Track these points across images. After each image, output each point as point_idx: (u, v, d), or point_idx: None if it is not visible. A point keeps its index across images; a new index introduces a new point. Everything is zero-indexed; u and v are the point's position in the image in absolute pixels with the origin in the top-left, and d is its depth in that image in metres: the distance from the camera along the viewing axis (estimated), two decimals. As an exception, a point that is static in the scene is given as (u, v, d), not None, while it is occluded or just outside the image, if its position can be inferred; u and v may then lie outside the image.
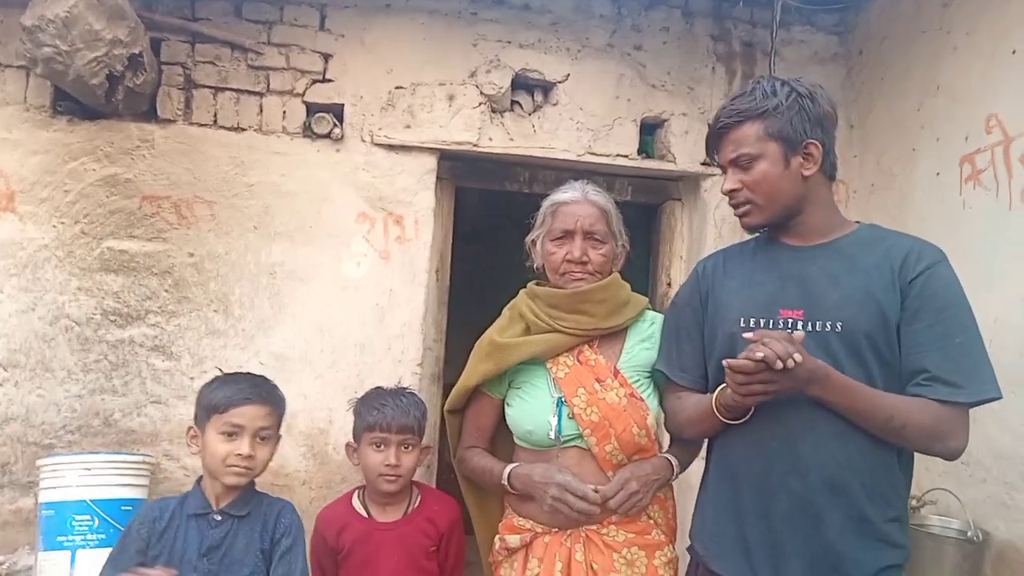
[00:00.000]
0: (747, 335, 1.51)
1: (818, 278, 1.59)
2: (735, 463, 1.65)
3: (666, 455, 1.84)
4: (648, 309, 2.00)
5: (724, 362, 1.49)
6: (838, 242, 1.63)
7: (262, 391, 1.88)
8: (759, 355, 1.40)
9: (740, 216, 1.68)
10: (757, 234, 1.80)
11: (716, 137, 1.67)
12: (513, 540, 1.85)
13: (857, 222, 1.70)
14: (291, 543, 1.85)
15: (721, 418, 1.62)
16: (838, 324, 1.53)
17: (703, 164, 3.29)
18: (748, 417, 1.59)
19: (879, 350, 1.52)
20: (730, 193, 1.66)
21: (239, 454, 1.78)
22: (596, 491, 1.73)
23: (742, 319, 1.64)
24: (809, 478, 1.53)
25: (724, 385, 1.58)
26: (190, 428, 1.88)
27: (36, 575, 2.42)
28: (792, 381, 1.45)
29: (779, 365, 1.40)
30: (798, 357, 1.40)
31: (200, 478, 1.88)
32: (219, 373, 2.01)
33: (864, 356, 1.53)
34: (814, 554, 1.53)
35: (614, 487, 1.73)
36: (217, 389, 1.84)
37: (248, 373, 1.95)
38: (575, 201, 1.90)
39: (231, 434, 1.79)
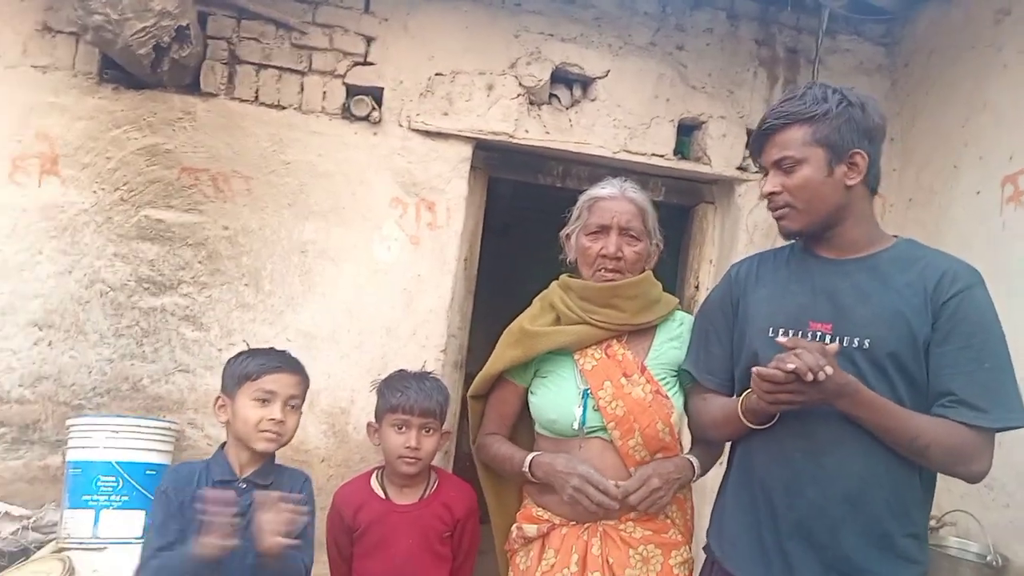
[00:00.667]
0: (781, 340, 1.51)
1: (849, 294, 1.58)
2: (757, 469, 1.64)
3: (688, 456, 1.84)
4: (678, 309, 1.99)
5: (753, 370, 1.48)
6: (873, 258, 1.61)
7: (292, 361, 1.95)
8: (790, 366, 1.40)
9: (778, 219, 1.66)
10: (792, 241, 1.78)
11: (761, 138, 1.64)
12: (530, 529, 1.86)
13: (895, 236, 1.68)
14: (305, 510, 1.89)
15: (746, 422, 1.61)
16: (866, 341, 1.52)
17: (739, 168, 3.27)
18: (773, 423, 1.59)
19: (906, 369, 1.51)
20: (770, 196, 1.64)
21: (272, 419, 1.82)
22: (617, 486, 1.73)
23: (771, 328, 1.63)
24: (830, 490, 1.53)
25: (751, 390, 1.58)
26: (218, 398, 1.91)
27: (61, 531, 2.47)
28: (820, 393, 1.44)
29: (809, 377, 1.39)
30: (829, 370, 1.40)
31: (223, 445, 1.92)
32: (246, 346, 2.06)
33: (890, 374, 1.52)
34: (829, 563, 1.53)
35: (635, 483, 1.73)
36: (248, 359, 1.89)
37: (273, 348, 2.01)
38: (613, 197, 1.91)
39: (264, 400, 1.84)
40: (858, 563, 1.52)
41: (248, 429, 1.83)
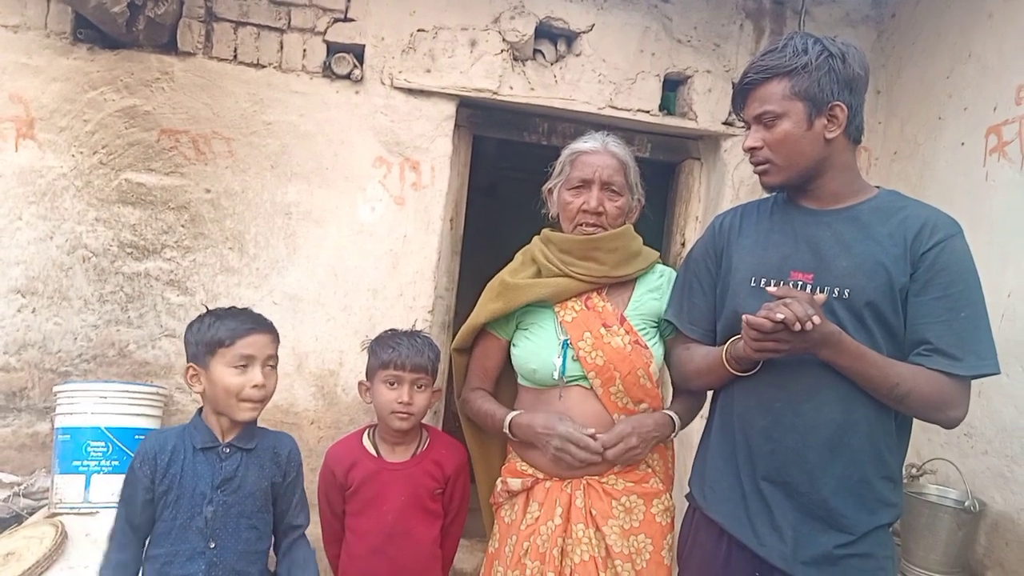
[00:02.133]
0: (771, 290, 1.53)
1: (830, 244, 1.59)
2: (738, 417, 1.68)
3: (669, 412, 1.87)
4: (658, 263, 2.00)
5: (744, 317, 1.50)
6: (855, 208, 1.62)
7: (261, 320, 1.85)
8: (779, 316, 1.42)
9: (759, 175, 1.67)
10: (775, 193, 1.79)
11: (743, 92, 1.64)
12: (515, 483, 1.88)
13: (878, 187, 1.69)
14: (295, 474, 1.90)
15: (731, 370, 1.64)
16: (846, 291, 1.54)
17: (724, 124, 3.25)
18: (756, 370, 1.61)
19: (884, 319, 1.54)
20: (751, 151, 1.64)
21: (255, 385, 1.75)
22: (595, 438, 1.76)
23: (753, 278, 1.66)
24: (808, 437, 1.56)
25: (736, 337, 1.60)
26: (189, 367, 1.80)
27: (52, 496, 2.49)
28: (805, 343, 1.47)
29: (797, 327, 1.42)
30: (816, 320, 1.42)
31: (200, 411, 1.85)
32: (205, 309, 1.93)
33: (868, 324, 1.54)
34: (808, 508, 1.57)
35: (613, 439, 1.76)
36: (215, 323, 1.78)
37: (236, 307, 1.88)
38: (595, 151, 1.90)
39: (243, 366, 1.76)
40: (835, 507, 1.56)
41: (229, 399, 1.75)
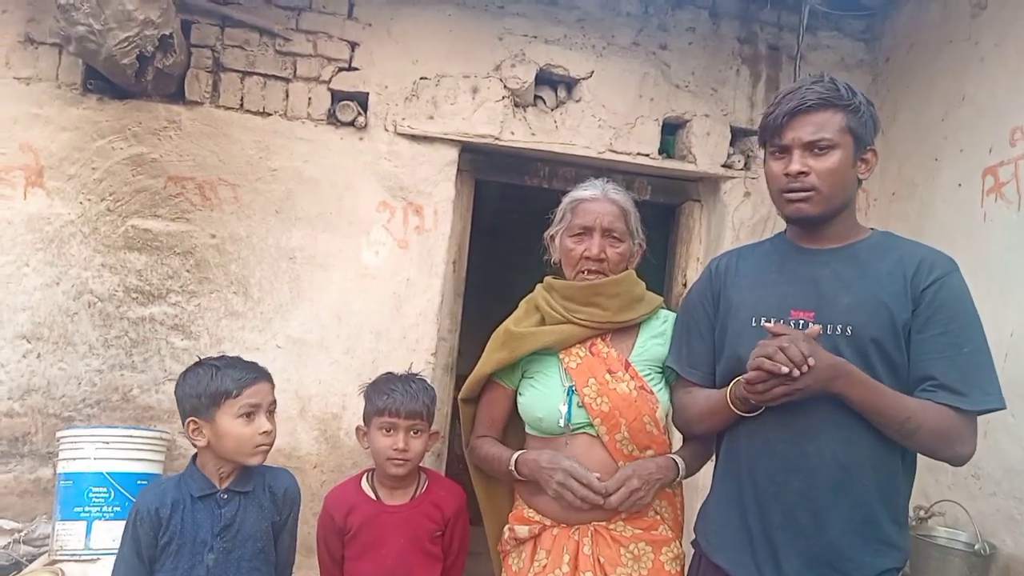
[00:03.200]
0: (767, 325, 1.54)
1: (830, 282, 1.60)
2: (742, 460, 1.66)
3: (673, 456, 1.85)
4: (662, 308, 2.01)
5: (741, 379, 1.51)
6: (853, 247, 1.64)
7: (258, 368, 1.87)
8: (784, 369, 1.42)
9: (795, 201, 1.61)
10: (776, 233, 1.82)
11: (792, 114, 1.59)
12: (522, 531, 1.87)
13: (872, 229, 1.71)
14: (290, 510, 1.91)
15: (735, 411, 1.63)
16: (848, 328, 1.54)
17: (724, 166, 3.30)
18: (761, 411, 1.60)
19: (887, 356, 1.53)
20: (797, 176, 1.58)
21: (264, 432, 1.78)
22: (599, 480, 1.74)
23: (753, 318, 1.65)
24: (813, 477, 1.55)
25: (740, 377, 1.60)
26: (190, 422, 1.79)
27: (53, 543, 2.46)
28: (813, 379, 1.45)
29: (796, 373, 1.42)
30: (812, 361, 1.42)
31: (194, 458, 1.85)
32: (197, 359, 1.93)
33: (871, 361, 1.54)
34: (814, 552, 1.54)
35: (615, 484, 1.74)
36: (217, 376, 1.78)
37: (226, 356, 1.90)
38: (595, 199, 1.92)
39: (250, 415, 1.78)
40: (843, 551, 1.53)
41: (241, 447, 1.77)
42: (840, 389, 1.49)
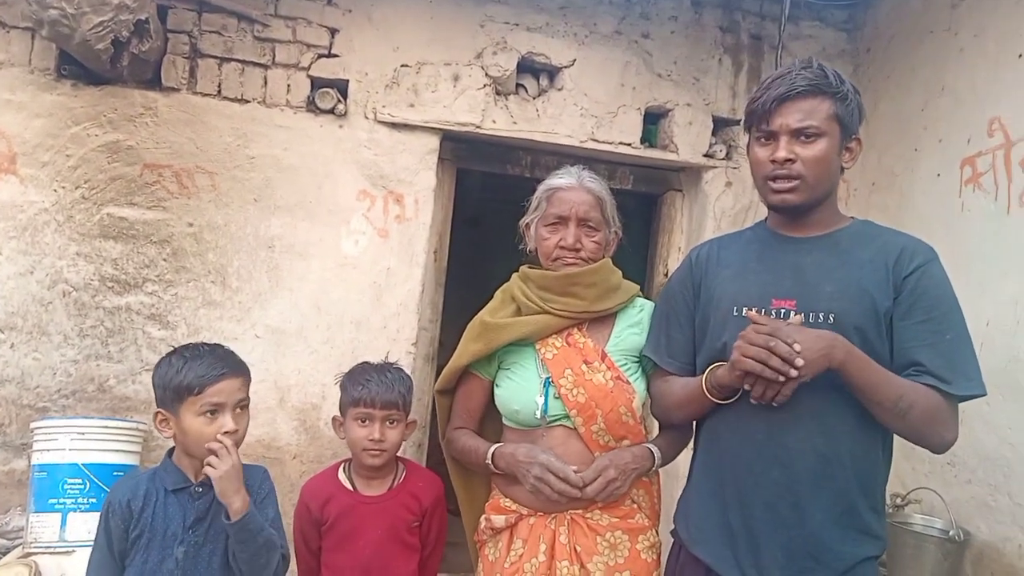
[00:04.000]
0: (750, 314, 1.54)
1: (812, 270, 1.60)
2: (722, 452, 1.66)
3: (648, 444, 1.85)
4: (639, 296, 2.00)
5: (745, 387, 1.51)
6: (833, 235, 1.63)
7: (230, 362, 1.77)
8: (781, 377, 1.42)
9: (781, 190, 1.59)
10: (756, 222, 1.81)
11: (780, 100, 1.56)
12: (498, 520, 1.86)
13: (852, 217, 1.71)
14: (265, 495, 1.84)
15: (711, 398, 1.62)
16: (830, 316, 1.54)
17: (705, 156, 3.29)
18: (738, 398, 1.60)
19: (870, 343, 1.52)
20: (784, 162, 1.56)
21: (226, 431, 1.70)
22: (576, 472, 1.73)
23: (735, 308, 1.64)
24: (793, 468, 1.54)
25: (716, 364, 1.61)
26: (157, 413, 1.74)
27: (27, 536, 2.43)
28: (809, 366, 1.43)
29: (793, 373, 1.42)
30: (800, 362, 1.41)
31: (171, 451, 1.81)
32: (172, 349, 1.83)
33: None
34: (795, 543, 1.55)
35: (591, 474, 1.73)
36: (183, 367, 1.70)
37: (204, 344, 1.81)
38: (570, 187, 1.90)
39: (212, 412, 1.70)
40: (824, 541, 1.54)
41: (201, 448, 1.69)
42: (840, 357, 1.46)
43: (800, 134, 1.56)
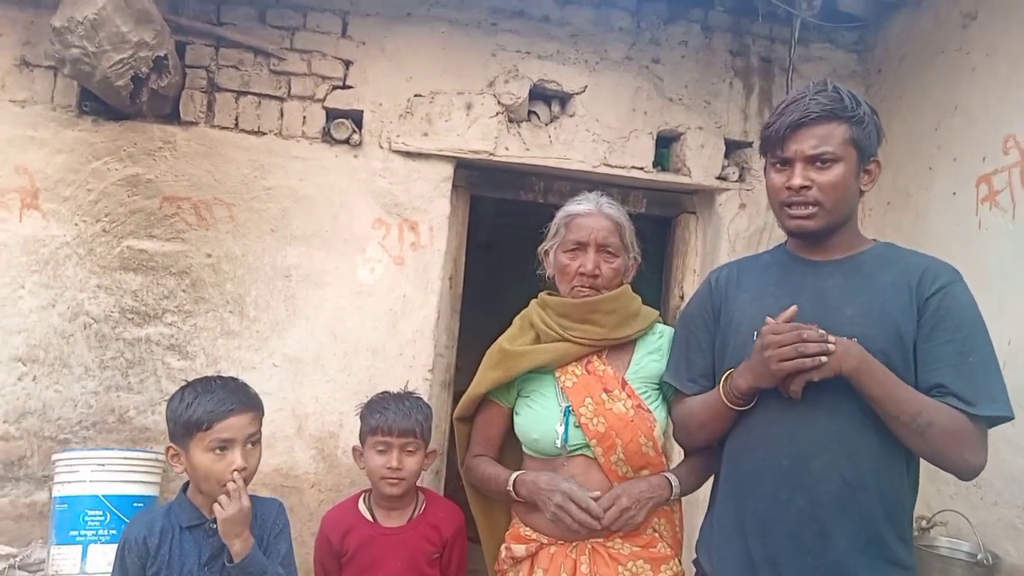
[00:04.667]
0: (766, 326, 1.53)
1: (834, 293, 1.58)
2: (744, 480, 1.63)
3: (666, 474, 1.83)
4: (658, 322, 1.99)
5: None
6: (855, 258, 1.61)
7: (241, 396, 1.75)
8: (822, 359, 1.44)
9: (798, 217, 1.58)
10: (776, 245, 1.78)
11: (794, 127, 1.55)
12: (519, 550, 1.84)
13: (874, 240, 1.70)
14: (279, 530, 1.83)
15: (729, 404, 1.60)
16: (853, 340, 1.49)
17: (718, 178, 3.30)
18: (754, 404, 1.58)
19: (894, 366, 1.49)
20: (800, 190, 1.55)
21: (236, 469, 1.68)
22: (597, 499, 1.72)
23: (756, 332, 1.59)
24: (817, 495, 1.51)
25: (730, 371, 1.60)
26: (169, 448, 1.73)
27: (48, 568, 2.44)
28: (836, 358, 1.44)
29: (830, 348, 1.43)
30: (832, 339, 1.44)
31: (185, 486, 1.81)
32: (185, 383, 1.84)
33: None
34: (819, 572, 1.51)
35: (606, 502, 1.72)
36: (193, 404, 1.69)
37: (217, 378, 1.80)
38: (589, 214, 1.90)
39: (221, 449, 1.68)
40: (849, 570, 1.49)
41: (210, 484, 1.69)
42: (851, 368, 1.45)
43: (815, 160, 1.54)
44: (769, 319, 1.53)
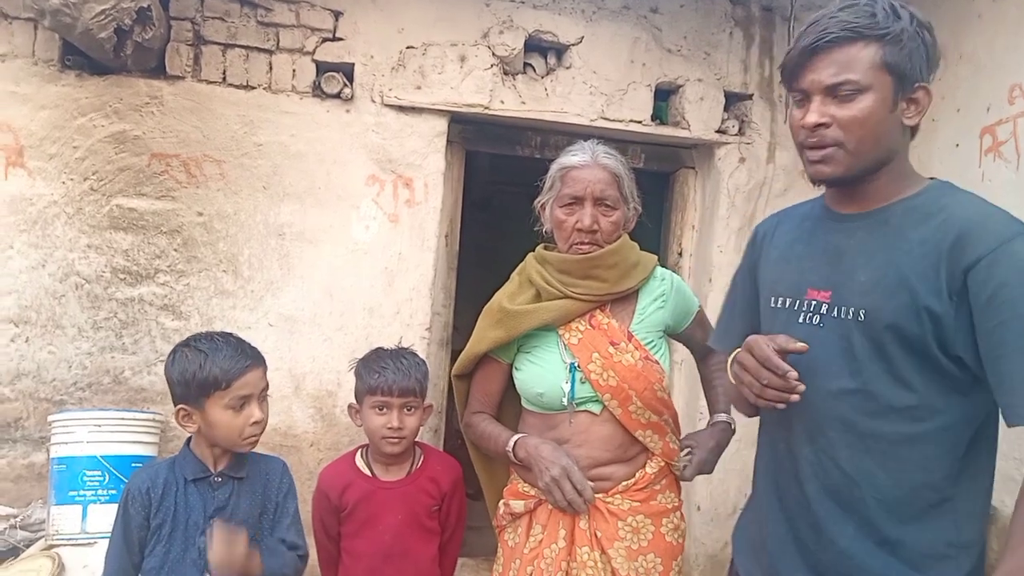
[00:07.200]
0: (747, 340, 1.35)
1: (853, 255, 1.33)
2: (758, 459, 1.56)
3: (722, 418, 1.89)
4: (658, 267, 1.95)
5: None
6: (887, 209, 1.33)
7: (249, 352, 1.76)
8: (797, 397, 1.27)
9: (815, 161, 1.32)
10: (821, 195, 1.48)
11: (809, 53, 1.28)
12: (517, 505, 1.84)
13: (930, 179, 1.37)
14: (286, 490, 1.85)
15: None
16: (861, 312, 1.29)
17: (718, 132, 3.25)
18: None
19: (909, 342, 1.24)
20: (814, 128, 1.29)
21: (256, 422, 1.72)
22: (594, 487, 1.73)
23: (773, 298, 1.44)
24: (807, 488, 1.35)
25: (735, 353, 1.48)
26: (180, 409, 1.72)
27: (49, 528, 2.45)
28: None
29: (794, 398, 1.26)
30: (800, 388, 1.26)
31: (189, 440, 1.80)
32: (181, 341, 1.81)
33: (888, 351, 1.26)
34: (821, 566, 1.35)
35: (683, 461, 1.78)
36: (206, 363, 1.68)
37: (217, 334, 1.78)
38: (585, 165, 1.83)
39: (241, 406, 1.70)
40: (855, 558, 1.30)
41: (232, 437, 1.71)
42: None
43: (835, 91, 1.27)
44: (752, 338, 1.32)
